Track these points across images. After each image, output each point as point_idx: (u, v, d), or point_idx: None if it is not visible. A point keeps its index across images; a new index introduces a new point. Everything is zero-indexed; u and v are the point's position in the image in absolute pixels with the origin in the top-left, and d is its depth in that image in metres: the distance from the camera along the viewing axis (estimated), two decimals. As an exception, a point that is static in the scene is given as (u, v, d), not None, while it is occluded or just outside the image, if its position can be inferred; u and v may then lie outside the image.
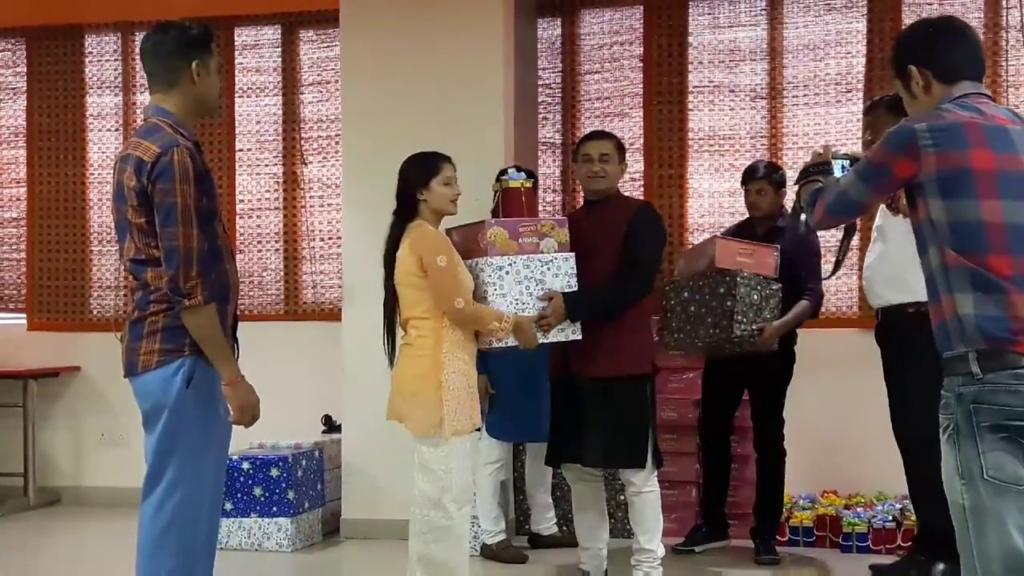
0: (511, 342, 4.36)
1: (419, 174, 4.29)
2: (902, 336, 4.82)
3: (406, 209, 4.31)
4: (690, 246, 6.34)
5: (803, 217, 3.15)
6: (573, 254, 4.52)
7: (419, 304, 4.21)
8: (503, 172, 4.96)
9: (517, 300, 4.37)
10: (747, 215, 5.63)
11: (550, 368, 4.78)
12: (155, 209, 3.25)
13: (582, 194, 5.25)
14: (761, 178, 5.48)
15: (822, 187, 3.02)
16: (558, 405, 4.71)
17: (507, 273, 4.36)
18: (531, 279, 4.41)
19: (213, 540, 3.51)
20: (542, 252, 4.46)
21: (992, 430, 2.59)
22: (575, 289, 4.47)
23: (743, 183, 5.58)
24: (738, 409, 5.59)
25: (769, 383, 5.41)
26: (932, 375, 4.74)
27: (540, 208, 6.56)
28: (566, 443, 4.66)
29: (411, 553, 4.27)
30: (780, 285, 5.15)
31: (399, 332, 4.33)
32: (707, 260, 5.10)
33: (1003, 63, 6.11)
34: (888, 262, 4.90)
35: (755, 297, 5.06)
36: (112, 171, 3.47)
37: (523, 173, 4.80)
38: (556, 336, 4.47)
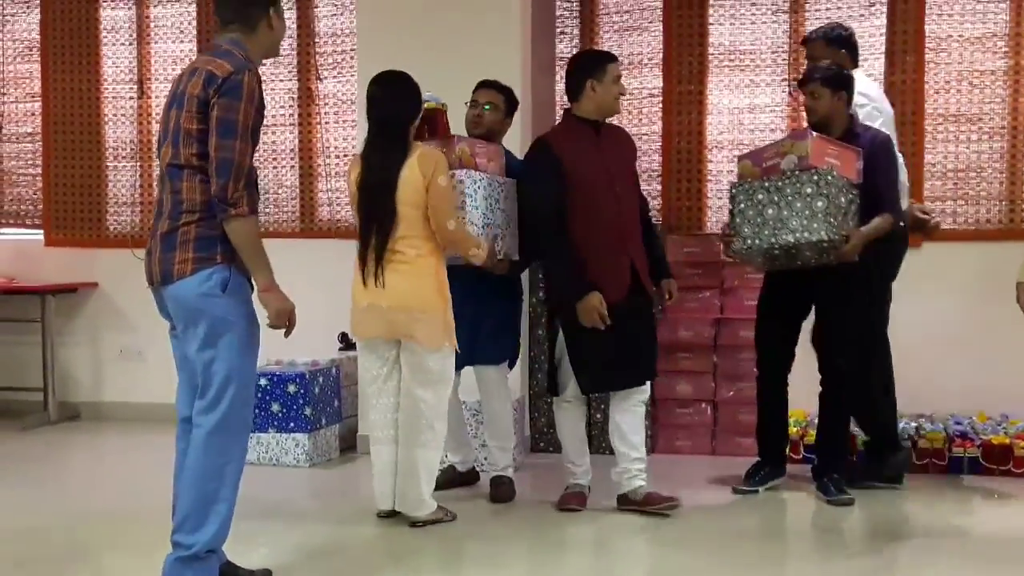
0: (476, 260, 4.59)
1: (418, 103, 4.49)
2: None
3: (401, 136, 4.43)
4: (746, 150, 6.06)
5: None
6: (515, 180, 4.85)
7: (420, 223, 4.40)
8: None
9: (484, 215, 4.64)
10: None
11: (610, 291, 4.62)
12: (215, 121, 3.43)
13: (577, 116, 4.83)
14: (815, 79, 5.00)
15: None
16: (625, 328, 4.64)
17: (480, 188, 4.66)
18: (493, 197, 4.73)
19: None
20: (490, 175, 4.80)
21: None
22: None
23: (799, 86, 5.14)
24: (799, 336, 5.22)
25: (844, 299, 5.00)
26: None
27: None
28: (624, 366, 4.73)
29: (413, 467, 4.49)
30: (858, 192, 4.83)
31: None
32: (796, 156, 4.72)
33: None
34: None
35: (842, 200, 4.70)
36: (175, 83, 3.64)
37: (434, 95, 4.85)
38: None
